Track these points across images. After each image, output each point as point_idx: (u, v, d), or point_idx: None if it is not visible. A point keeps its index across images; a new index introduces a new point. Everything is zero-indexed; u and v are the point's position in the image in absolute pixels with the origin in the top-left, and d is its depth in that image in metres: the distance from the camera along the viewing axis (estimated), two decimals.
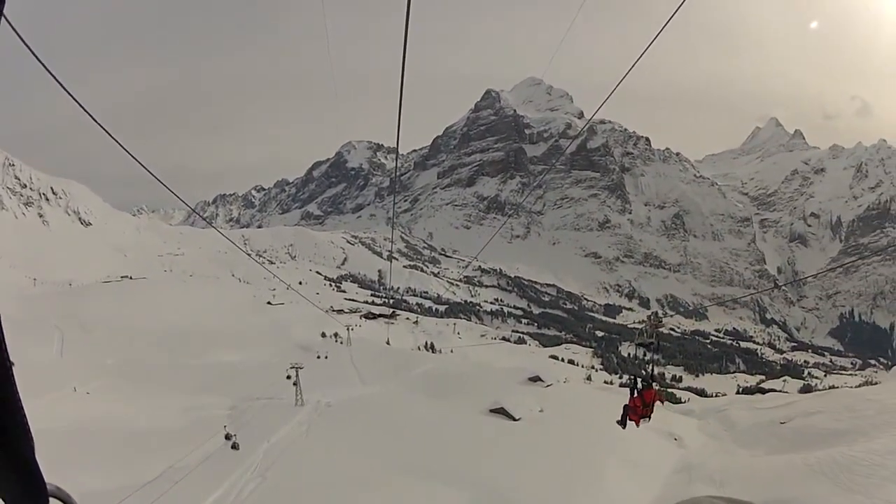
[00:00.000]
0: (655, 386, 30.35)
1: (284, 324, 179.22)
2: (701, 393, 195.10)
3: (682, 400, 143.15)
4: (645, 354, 30.87)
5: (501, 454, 67.80)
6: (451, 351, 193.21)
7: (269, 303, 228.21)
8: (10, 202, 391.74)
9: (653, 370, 31.55)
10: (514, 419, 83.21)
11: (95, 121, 13.37)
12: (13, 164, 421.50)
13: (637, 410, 29.44)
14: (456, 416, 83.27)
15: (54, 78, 11.22)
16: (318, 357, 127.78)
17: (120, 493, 49.75)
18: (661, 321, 30.98)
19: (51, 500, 2.36)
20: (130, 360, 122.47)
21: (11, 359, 2.19)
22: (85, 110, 12.84)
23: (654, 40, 13.15)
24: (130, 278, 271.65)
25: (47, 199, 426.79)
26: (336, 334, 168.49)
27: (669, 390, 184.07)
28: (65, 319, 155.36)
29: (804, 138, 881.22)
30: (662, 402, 35.01)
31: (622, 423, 30.77)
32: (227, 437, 70.35)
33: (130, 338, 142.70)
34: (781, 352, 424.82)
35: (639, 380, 30.29)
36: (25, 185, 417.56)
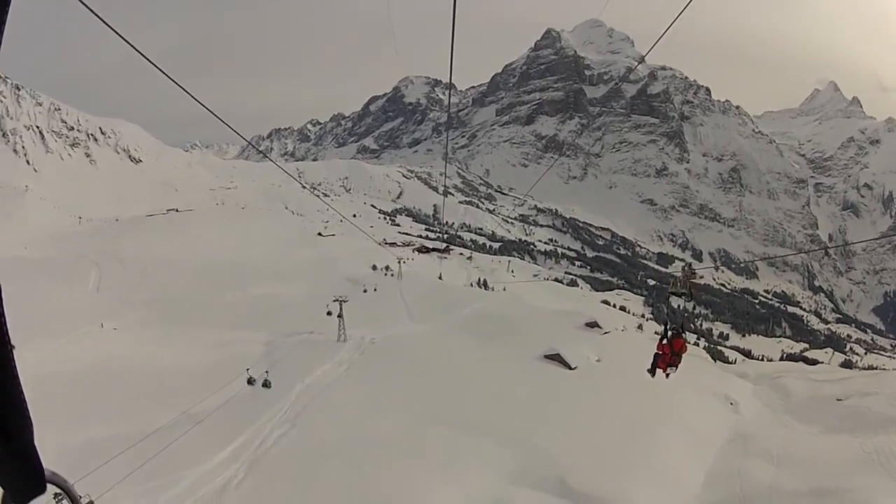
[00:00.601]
0: (685, 337, 29.78)
1: (334, 256, 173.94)
2: (748, 354, 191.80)
3: (730, 359, 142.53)
4: (678, 305, 29.64)
5: (554, 410, 62.16)
6: (504, 289, 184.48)
7: (319, 234, 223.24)
8: (56, 145, 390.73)
9: (683, 321, 30.07)
10: (570, 368, 76.86)
11: (146, 58, 13.19)
12: (59, 109, 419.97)
13: (665, 358, 28.82)
14: (508, 361, 76.82)
15: (103, 21, 11.18)
16: (365, 291, 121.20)
17: (124, 442, 43.45)
18: (694, 273, 29.21)
19: (48, 486, 2.32)
20: (167, 294, 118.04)
21: (13, 342, 2.14)
22: (135, 48, 12.62)
23: None
24: (176, 211, 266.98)
25: (95, 140, 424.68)
26: (387, 267, 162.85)
27: (718, 348, 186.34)
28: (103, 256, 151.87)
29: (861, 106, 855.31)
30: (686, 352, 29.93)
31: (651, 371, 29.76)
32: (250, 381, 62.98)
33: (170, 272, 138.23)
34: (826, 322, 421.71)
35: (669, 328, 29.25)
36: (73, 128, 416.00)
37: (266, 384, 62.69)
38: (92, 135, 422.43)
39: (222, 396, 56.90)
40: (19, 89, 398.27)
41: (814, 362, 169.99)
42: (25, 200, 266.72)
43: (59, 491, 2.54)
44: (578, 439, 54.15)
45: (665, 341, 29.01)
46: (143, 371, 66.46)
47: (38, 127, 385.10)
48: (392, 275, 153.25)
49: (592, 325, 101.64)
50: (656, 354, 29.34)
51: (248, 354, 73.47)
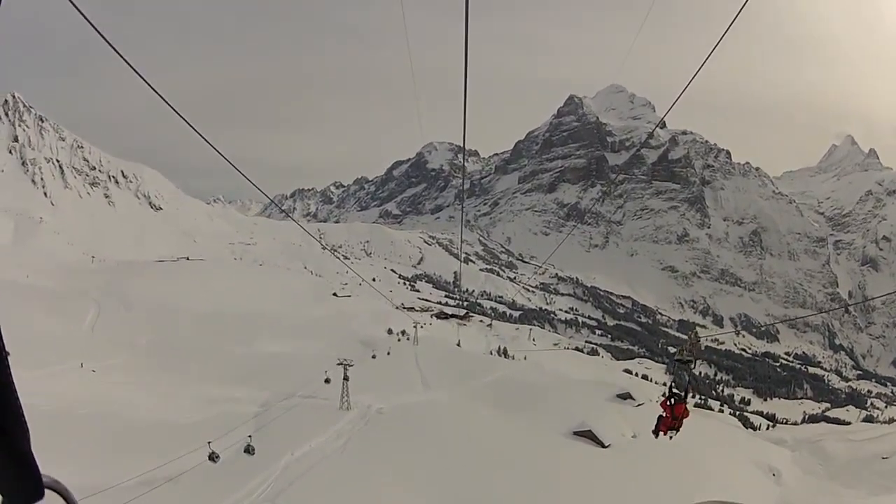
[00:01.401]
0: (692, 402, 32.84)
1: (348, 317, 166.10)
2: (772, 418, 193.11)
3: (756, 426, 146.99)
4: (687, 376, 29.19)
5: (588, 494, 54.15)
6: (525, 357, 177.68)
7: (334, 294, 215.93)
8: (75, 181, 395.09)
9: (688, 387, 28.82)
10: (604, 446, 68.85)
11: (172, 108, 13.17)
12: (81, 147, 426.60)
13: (667, 422, 27.96)
14: (533, 437, 68.27)
15: (133, 69, 11.26)
16: (374, 357, 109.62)
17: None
18: (698, 340, 28.81)
19: (47, 492, 2.32)
20: (166, 341, 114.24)
21: (8, 349, 2.16)
22: (162, 98, 12.62)
23: (718, 44, 13.37)
24: (188, 259, 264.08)
25: (117, 182, 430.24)
26: (403, 332, 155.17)
27: (744, 414, 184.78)
28: (107, 295, 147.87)
29: (878, 157, 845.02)
30: (688, 416, 29.02)
31: (655, 432, 28.81)
32: (212, 457, 49.53)
33: (173, 319, 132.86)
34: (847, 379, 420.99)
35: (672, 394, 28.09)
36: (94, 168, 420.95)
37: (249, 450, 53.73)
38: (113, 177, 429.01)
39: (192, 462, 46.83)
40: (43, 121, 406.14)
41: (836, 422, 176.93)
42: (40, 231, 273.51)
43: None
44: None
45: (669, 404, 28.10)
46: (112, 420, 59.63)
47: (58, 161, 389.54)
48: (408, 339, 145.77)
49: (625, 396, 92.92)
50: (660, 417, 28.53)
51: (237, 416, 64.74)
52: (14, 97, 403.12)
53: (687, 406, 28.16)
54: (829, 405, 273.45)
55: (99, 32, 9.40)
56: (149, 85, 11.66)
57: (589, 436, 69.09)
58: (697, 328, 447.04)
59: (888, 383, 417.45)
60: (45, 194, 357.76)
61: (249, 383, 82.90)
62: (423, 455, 57.14)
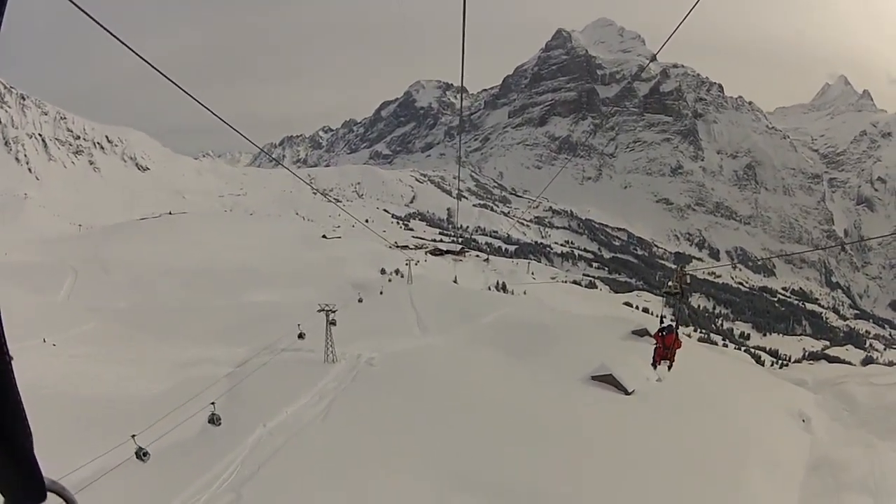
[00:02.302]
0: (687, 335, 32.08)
1: (339, 260, 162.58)
2: (775, 354, 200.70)
3: (763, 363, 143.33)
4: (672, 304, 30.72)
5: (617, 449, 46.18)
6: (525, 293, 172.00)
7: (323, 236, 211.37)
8: (59, 153, 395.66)
9: (678, 319, 31.37)
10: (627, 392, 60.10)
11: (153, 66, 13.22)
12: (64, 118, 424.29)
13: (660, 352, 30.79)
14: (547, 385, 59.95)
15: (110, 33, 11.14)
16: (360, 300, 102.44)
17: None
18: (686, 274, 28.61)
19: (49, 495, 2.31)
20: (146, 302, 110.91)
21: (8, 349, 2.17)
22: (144, 59, 12.56)
23: None
24: (170, 213, 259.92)
25: (102, 148, 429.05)
26: (398, 271, 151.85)
27: (751, 350, 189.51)
28: (85, 262, 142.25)
29: (872, 99, 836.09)
30: (680, 346, 30.83)
31: (654, 364, 31.79)
32: (140, 455, 37.65)
33: (157, 278, 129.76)
34: (845, 318, 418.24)
35: (662, 325, 31.06)
36: (79, 137, 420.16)
37: (213, 420, 45.19)
38: (98, 143, 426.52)
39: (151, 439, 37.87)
40: (24, 99, 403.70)
41: (836, 360, 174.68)
42: (25, 208, 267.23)
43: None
44: (659, 495, 40.14)
45: (661, 335, 30.84)
46: (67, 399, 51.05)
47: (40, 135, 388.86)
48: (402, 277, 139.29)
49: (642, 333, 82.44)
50: (655, 348, 31.29)
51: (210, 379, 56.58)
52: None
53: (678, 337, 30.57)
54: (828, 343, 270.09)
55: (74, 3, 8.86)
56: (129, 48, 11.56)
57: (610, 381, 61.03)
58: (693, 261, 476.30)
59: (886, 325, 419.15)
60: (30, 170, 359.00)
61: (231, 339, 76.25)
62: (420, 417, 48.72)
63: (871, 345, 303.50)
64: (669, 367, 31.40)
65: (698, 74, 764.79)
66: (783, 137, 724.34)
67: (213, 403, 46.22)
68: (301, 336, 70.88)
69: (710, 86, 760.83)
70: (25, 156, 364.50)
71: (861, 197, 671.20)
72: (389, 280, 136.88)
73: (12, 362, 2.14)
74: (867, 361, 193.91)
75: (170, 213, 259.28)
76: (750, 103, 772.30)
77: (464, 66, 17.75)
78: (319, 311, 66.81)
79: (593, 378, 61.35)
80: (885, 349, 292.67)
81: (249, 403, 50.50)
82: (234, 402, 50.65)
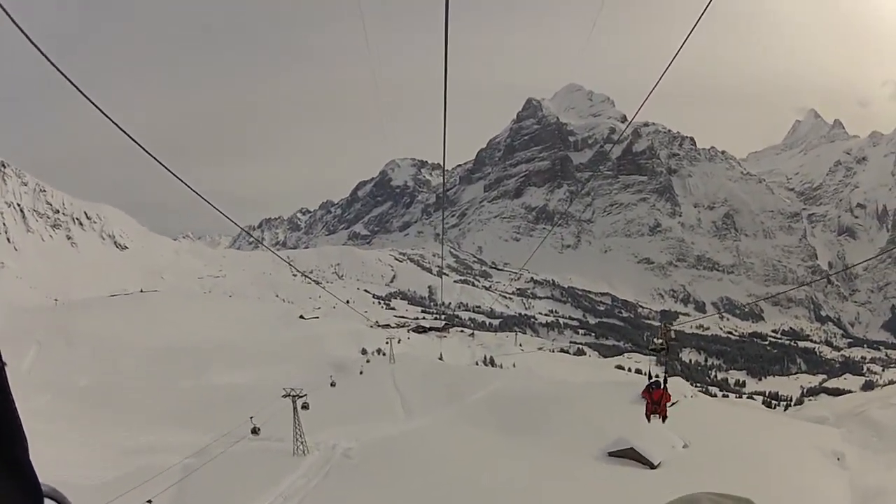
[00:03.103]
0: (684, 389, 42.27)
1: (318, 339, 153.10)
2: (775, 396, 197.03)
3: (772, 405, 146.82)
4: (662, 361, 32.87)
5: None
6: (514, 365, 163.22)
7: (301, 316, 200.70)
8: (37, 225, 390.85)
9: (666, 374, 31.50)
10: (653, 466, 52.29)
11: (135, 141, 12.70)
12: (44, 190, 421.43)
13: (649, 407, 31.09)
14: (557, 466, 51.89)
15: (91, 102, 10.83)
16: (333, 385, 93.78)
17: None
18: (670, 330, 28.72)
19: (46, 501, 2.31)
20: (107, 380, 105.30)
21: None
22: (124, 132, 12.17)
23: (687, 40, 13.33)
24: (142, 291, 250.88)
25: (81, 224, 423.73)
26: (379, 350, 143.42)
27: (740, 398, 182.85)
28: (52, 334, 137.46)
29: (844, 128, 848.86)
30: (669, 400, 30.91)
31: (647, 417, 31.74)
32: None
33: (120, 355, 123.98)
34: (839, 349, 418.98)
35: (650, 381, 31.62)
36: (58, 211, 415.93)
37: None
38: (77, 219, 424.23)
39: None
40: (5, 167, 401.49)
41: (836, 392, 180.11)
42: (1, 276, 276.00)
43: None
44: None
45: (649, 391, 30.90)
46: None
47: (19, 205, 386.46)
48: (384, 355, 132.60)
49: None
50: (647, 404, 31.34)
51: (160, 469, 48.86)
52: None
53: (667, 391, 30.45)
54: (825, 376, 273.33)
55: (57, 68, 9.10)
56: (110, 119, 11.27)
57: (631, 455, 52.87)
58: (680, 316, 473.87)
59: (881, 347, 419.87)
60: (8, 240, 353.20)
61: (193, 424, 69.87)
62: None
63: (868, 369, 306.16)
64: (663, 420, 31.32)
65: (669, 130, 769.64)
66: (759, 182, 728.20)
67: (149, 502, 38.69)
68: (255, 431, 63.78)
69: (682, 140, 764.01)
70: (4, 224, 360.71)
71: (842, 227, 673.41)
72: (367, 361, 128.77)
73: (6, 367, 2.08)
74: (868, 386, 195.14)
75: (141, 291, 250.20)
76: (723, 152, 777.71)
77: (445, 147, 17.32)
78: (285, 396, 58.91)
79: (611, 454, 53.31)
80: (883, 370, 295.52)
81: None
82: (182, 500, 44.53)
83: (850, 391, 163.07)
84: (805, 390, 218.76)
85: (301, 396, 59.37)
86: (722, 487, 15.76)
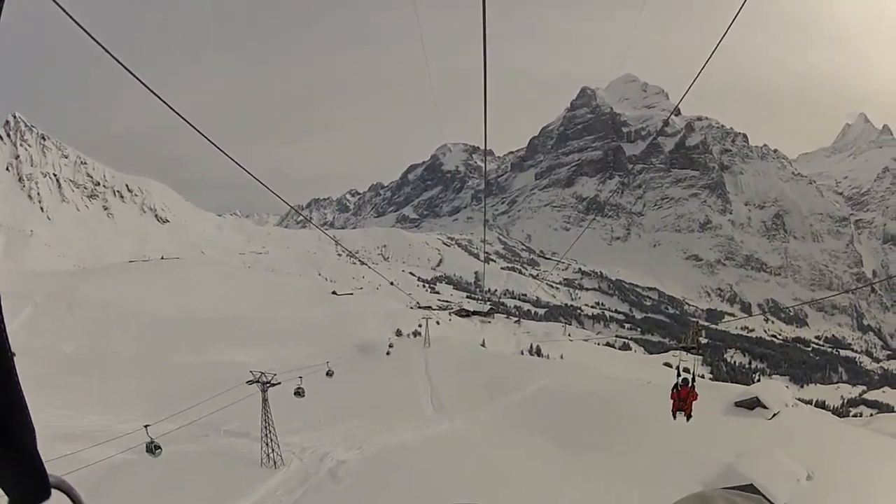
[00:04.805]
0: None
1: (348, 318, 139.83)
2: (821, 405, 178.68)
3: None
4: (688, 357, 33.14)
5: None
6: (561, 356, 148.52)
7: (333, 292, 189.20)
8: (73, 194, 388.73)
9: (694, 373, 31.87)
10: None
11: (185, 120, 12.28)
12: (85, 163, 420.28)
13: (675, 405, 31.17)
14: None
15: (144, 84, 10.61)
16: (330, 374, 67.63)
17: None
18: (700, 329, 31.00)
19: (53, 491, 2.13)
20: (97, 349, 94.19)
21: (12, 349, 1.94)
22: (175, 112, 11.83)
23: (728, 30, 12.88)
24: (162, 258, 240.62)
25: (121, 196, 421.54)
26: (416, 333, 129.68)
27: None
28: (52, 297, 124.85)
29: (892, 134, 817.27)
30: (696, 399, 31.07)
31: (673, 414, 31.89)
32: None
33: (121, 323, 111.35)
34: (878, 360, 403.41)
35: (680, 379, 31.38)
36: (98, 183, 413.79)
37: None
38: (118, 191, 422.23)
39: None
40: (45, 140, 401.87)
41: (875, 405, 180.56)
42: (29, 244, 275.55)
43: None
44: None
45: (676, 390, 30.78)
46: None
47: (55, 175, 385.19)
48: (419, 338, 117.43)
49: (751, 405, 56.69)
50: (673, 401, 31.14)
51: (79, 463, 34.51)
52: (15, 117, 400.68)
53: (694, 389, 30.59)
54: (864, 388, 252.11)
55: (106, 49, 8.89)
56: (161, 100, 10.94)
57: (749, 490, 34.81)
58: (725, 316, 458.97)
59: None
60: (42, 209, 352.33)
61: (163, 406, 52.86)
62: None
63: None
64: (688, 419, 30.74)
65: (722, 126, 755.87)
66: (809, 183, 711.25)
67: None
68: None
69: (735, 136, 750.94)
70: (38, 194, 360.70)
71: (887, 235, 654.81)
72: (391, 346, 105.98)
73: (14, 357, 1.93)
74: None
75: (161, 258, 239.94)
76: (775, 151, 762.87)
77: (487, 128, 15.73)
78: (251, 381, 43.77)
79: (727, 489, 35.22)
80: None
81: None
82: None
83: (888, 405, 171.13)
84: (846, 401, 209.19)
85: (273, 385, 43.11)
86: None
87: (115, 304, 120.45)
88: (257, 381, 42.62)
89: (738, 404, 57.80)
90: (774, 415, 56.63)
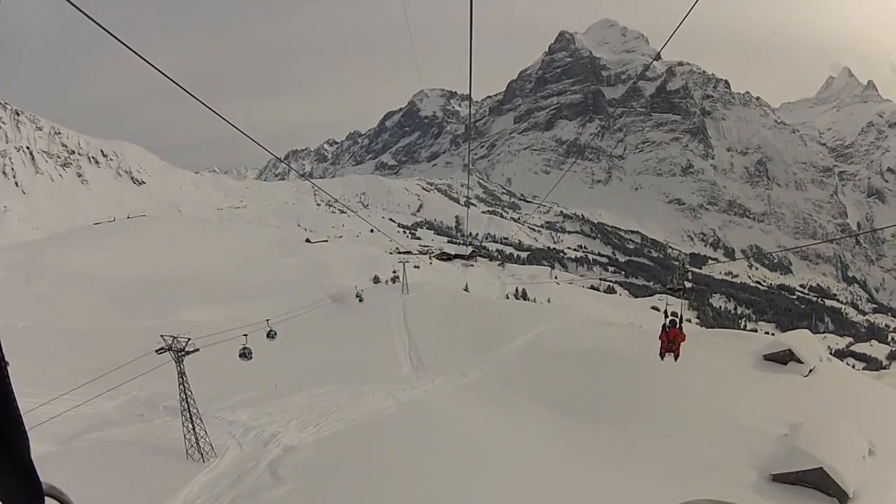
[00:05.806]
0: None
1: (321, 266, 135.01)
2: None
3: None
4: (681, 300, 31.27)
5: None
6: (548, 300, 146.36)
7: (307, 240, 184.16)
8: (46, 165, 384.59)
9: (681, 314, 31.30)
10: (846, 496, 30.36)
11: (164, 74, 12.66)
12: (59, 133, 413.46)
13: (664, 346, 31.11)
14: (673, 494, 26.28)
15: (122, 44, 10.87)
16: (270, 335, 50.17)
17: None
18: (688, 272, 35.23)
19: (47, 500, 2.27)
20: (51, 322, 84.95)
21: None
22: (154, 67, 12.35)
23: None
24: (128, 218, 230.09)
25: (96, 162, 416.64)
26: (395, 279, 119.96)
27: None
28: (10, 270, 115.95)
29: (877, 90, 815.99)
30: (684, 340, 30.86)
31: (661, 355, 31.81)
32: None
33: (82, 291, 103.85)
34: (864, 313, 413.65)
35: (667, 320, 31.26)
36: (73, 151, 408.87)
37: None
38: (93, 157, 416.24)
39: None
40: (19, 115, 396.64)
41: (862, 357, 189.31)
42: (3, 220, 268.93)
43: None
44: None
45: (664, 331, 30.64)
46: None
47: (28, 148, 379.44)
48: (395, 284, 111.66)
49: (783, 359, 50.92)
50: (661, 342, 31.03)
51: None
52: None
53: (682, 331, 30.57)
54: (851, 339, 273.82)
55: (82, 11, 8.88)
56: (140, 56, 11.34)
57: (815, 480, 30.52)
58: (709, 261, 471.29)
59: None
60: (16, 184, 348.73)
61: (110, 379, 43.02)
62: None
63: (892, 338, 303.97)
64: (675, 359, 30.82)
65: (704, 71, 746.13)
66: (792, 132, 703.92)
67: None
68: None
69: (717, 82, 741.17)
70: (13, 169, 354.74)
71: (872, 189, 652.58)
72: (360, 292, 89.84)
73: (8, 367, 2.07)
74: (893, 356, 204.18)
75: (127, 217, 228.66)
76: (757, 98, 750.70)
77: (472, 73, 17.23)
78: (161, 350, 36.71)
79: (775, 478, 31.11)
80: None
81: None
82: None
83: (875, 358, 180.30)
84: (833, 352, 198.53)
85: (189, 352, 36.14)
86: None
87: (76, 272, 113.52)
88: (169, 349, 35.80)
89: (768, 357, 52.09)
90: (811, 370, 51.07)
